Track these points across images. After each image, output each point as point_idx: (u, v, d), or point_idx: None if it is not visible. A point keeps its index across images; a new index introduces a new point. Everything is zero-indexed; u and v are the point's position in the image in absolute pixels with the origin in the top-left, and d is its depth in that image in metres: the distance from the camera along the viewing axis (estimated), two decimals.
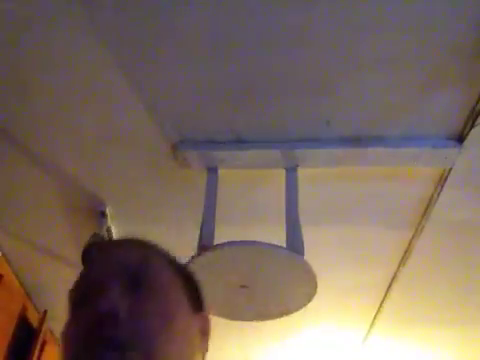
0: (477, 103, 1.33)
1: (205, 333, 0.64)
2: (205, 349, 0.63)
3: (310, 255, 1.37)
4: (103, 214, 1.74)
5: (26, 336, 2.14)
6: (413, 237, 1.80)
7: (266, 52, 1.26)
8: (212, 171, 1.53)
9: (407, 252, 1.86)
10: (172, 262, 0.66)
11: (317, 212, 1.71)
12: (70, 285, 2.02)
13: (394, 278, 2.00)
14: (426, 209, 1.68)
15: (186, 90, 1.37)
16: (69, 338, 0.56)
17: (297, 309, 1.51)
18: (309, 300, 1.47)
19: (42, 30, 1.22)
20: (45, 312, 2.25)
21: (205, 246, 1.38)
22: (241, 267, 1.41)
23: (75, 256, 1.73)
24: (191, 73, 1.32)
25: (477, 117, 1.36)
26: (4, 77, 1.35)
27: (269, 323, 1.63)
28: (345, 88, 1.34)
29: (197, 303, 0.64)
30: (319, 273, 1.37)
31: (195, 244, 1.39)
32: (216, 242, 1.39)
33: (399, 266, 1.94)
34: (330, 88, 1.34)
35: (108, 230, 1.79)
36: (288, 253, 1.36)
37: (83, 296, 0.58)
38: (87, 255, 0.67)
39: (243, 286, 1.43)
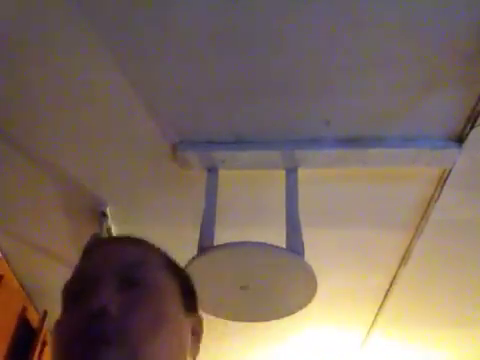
0: (477, 104, 1.33)
1: (197, 335, 0.64)
2: (196, 351, 0.63)
3: (310, 256, 1.37)
4: (103, 214, 1.74)
5: (26, 336, 2.14)
6: (413, 238, 1.80)
7: (266, 52, 1.26)
8: (212, 171, 1.53)
9: (407, 253, 1.86)
10: (169, 263, 0.66)
11: (317, 213, 1.71)
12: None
13: (394, 279, 2.00)
14: (426, 210, 1.68)
15: (186, 90, 1.37)
16: (61, 334, 0.57)
17: (297, 310, 1.51)
18: (309, 301, 1.47)
19: (42, 30, 1.23)
20: (45, 312, 2.25)
21: (205, 247, 1.38)
22: (241, 268, 1.41)
23: (75, 256, 1.72)
24: (191, 73, 1.32)
25: (477, 118, 1.36)
26: (4, 77, 1.35)
27: (268, 324, 1.63)
28: (345, 89, 1.34)
29: (191, 304, 0.64)
30: (319, 274, 1.37)
31: (195, 245, 1.39)
32: (216, 243, 1.39)
33: (399, 267, 1.94)
34: (330, 89, 1.34)
35: (108, 230, 1.79)
36: (288, 254, 1.36)
37: (77, 292, 0.58)
38: (85, 252, 0.68)
39: (243, 287, 1.43)
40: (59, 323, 0.59)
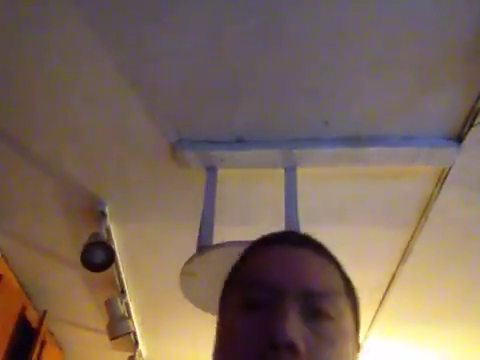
0: (476, 103, 1.33)
1: None
2: None
3: None
4: (103, 214, 1.74)
5: (26, 336, 2.14)
6: (412, 237, 1.80)
7: (265, 52, 1.26)
8: (211, 171, 1.53)
9: (406, 252, 1.86)
10: (347, 284, 0.62)
11: (316, 212, 1.71)
12: (69, 285, 2.00)
13: (393, 278, 2.00)
14: (425, 208, 1.68)
15: (185, 90, 1.37)
16: (242, 339, 0.53)
17: None
18: None
19: (42, 30, 1.22)
20: (45, 312, 2.26)
21: (204, 246, 1.38)
22: None
23: (75, 256, 1.73)
24: (190, 73, 1.32)
25: (476, 117, 1.36)
26: (4, 77, 1.35)
27: None
28: (344, 88, 1.34)
29: (358, 331, 0.60)
30: None
31: (194, 244, 1.39)
32: (215, 242, 1.39)
33: (398, 266, 1.94)
34: (329, 88, 1.34)
35: (108, 230, 1.79)
36: None
37: (257, 299, 0.54)
38: (263, 246, 0.62)
39: None
40: (230, 335, 0.55)
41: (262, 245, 0.62)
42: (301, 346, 0.49)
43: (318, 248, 0.62)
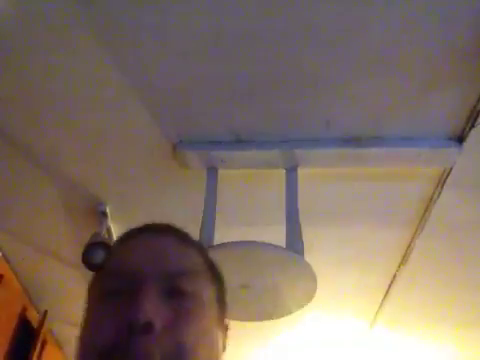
0: (477, 103, 1.33)
1: (225, 342, 0.62)
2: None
3: (310, 255, 1.37)
4: (103, 214, 1.74)
5: (26, 336, 2.14)
6: (413, 237, 1.79)
7: (266, 52, 1.26)
8: (212, 171, 1.53)
9: (407, 252, 1.86)
10: (209, 264, 0.63)
11: (317, 212, 1.71)
12: (70, 285, 2.00)
13: (394, 279, 2.00)
14: (426, 209, 1.68)
15: (186, 90, 1.37)
16: (94, 341, 0.52)
17: (297, 309, 1.51)
18: (309, 300, 1.47)
19: (42, 31, 1.22)
20: (45, 312, 2.26)
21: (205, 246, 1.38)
22: (241, 267, 1.41)
23: (75, 256, 1.73)
24: (191, 73, 1.32)
25: (477, 117, 1.36)
26: (3, 78, 1.35)
27: (265, 323, 1.63)
28: (345, 88, 1.34)
29: (222, 314, 0.62)
30: (319, 273, 1.37)
31: None
32: (216, 242, 1.39)
33: (399, 267, 1.94)
34: (330, 88, 1.34)
35: (108, 230, 1.79)
36: (288, 253, 1.36)
37: (114, 291, 0.55)
38: (121, 241, 0.64)
39: (243, 286, 1.43)
40: (89, 323, 0.55)
41: (126, 236, 0.64)
42: (158, 323, 0.50)
43: (178, 233, 0.63)
